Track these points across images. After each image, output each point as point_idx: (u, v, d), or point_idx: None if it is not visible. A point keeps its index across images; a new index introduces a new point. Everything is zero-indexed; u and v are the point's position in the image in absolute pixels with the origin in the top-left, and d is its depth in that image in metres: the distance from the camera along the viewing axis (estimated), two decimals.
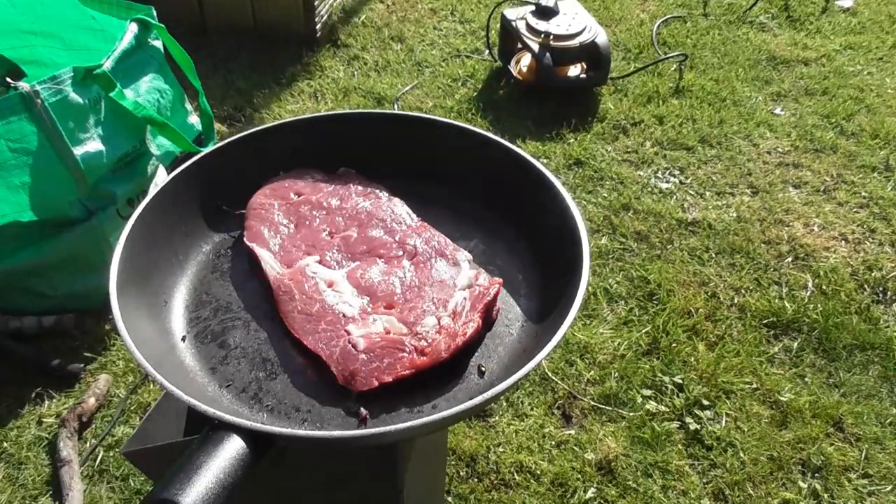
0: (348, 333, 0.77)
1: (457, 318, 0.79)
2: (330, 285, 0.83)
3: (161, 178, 2.13)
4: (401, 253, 0.87)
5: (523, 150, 0.92)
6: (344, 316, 0.79)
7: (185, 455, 0.59)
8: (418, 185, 0.98)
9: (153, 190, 1.38)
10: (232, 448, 0.59)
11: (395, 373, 0.74)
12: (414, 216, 0.92)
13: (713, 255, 2.22)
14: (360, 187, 0.96)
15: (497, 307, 0.83)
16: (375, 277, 0.84)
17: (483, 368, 0.78)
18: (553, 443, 1.74)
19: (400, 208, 0.93)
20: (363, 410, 0.73)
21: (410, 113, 1.01)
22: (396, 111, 1.05)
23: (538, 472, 1.68)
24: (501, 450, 1.72)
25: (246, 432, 0.61)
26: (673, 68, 3.01)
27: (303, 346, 0.78)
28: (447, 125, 0.97)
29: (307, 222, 0.92)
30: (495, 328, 0.83)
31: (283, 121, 1.00)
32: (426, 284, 0.83)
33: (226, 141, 0.95)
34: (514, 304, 0.86)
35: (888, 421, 1.79)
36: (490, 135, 0.94)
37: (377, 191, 0.95)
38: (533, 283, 0.87)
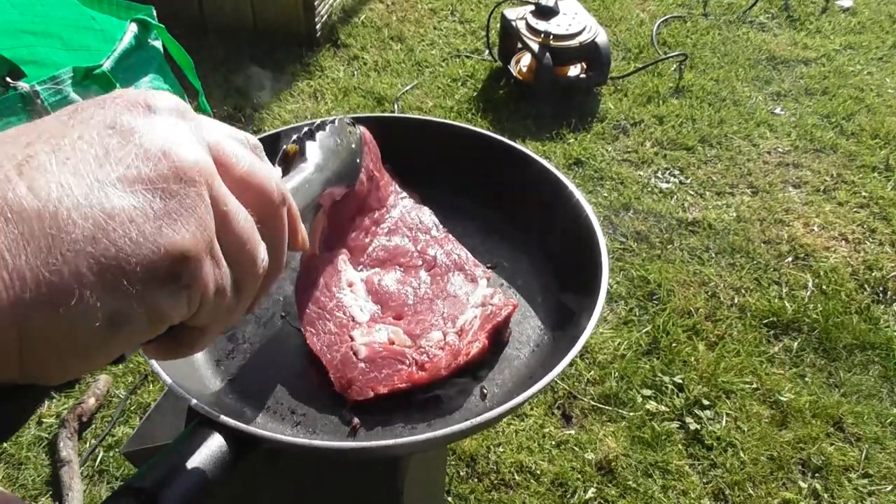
0: (352, 339, 0.77)
1: (463, 336, 0.77)
2: (349, 286, 0.83)
3: None
4: (420, 263, 0.85)
5: (563, 175, 0.89)
6: (353, 320, 0.79)
7: (168, 447, 0.59)
8: (452, 195, 0.95)
9: None
10: (214, 445, 0.59)
11: (391, 385, 0.73)
12: (440, 226, 0.90)
13: (713, 255, 2.22)
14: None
15: (509, 330, 0.81)
16: (391, 286, 0.83)
17: (485, 391, 0.76)
18: (553, 443, 1.74)
19: (427, 217, 0.91)
20: (355, 420, 0.72)
21: (454, 123, 0.99)
22: (439, 119, 1.02)
23: (538, 472, 1.68)
24: (501, 450, 1.72)
25: (227, 431, 0.61)
26: (673, 68, 3.01)
27: (308, 348, 0.77)
28: (490, 140, 0.95)
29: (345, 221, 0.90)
30: (506, 350, 0.81)
31: (320, 120, 0.98)
32: (439, 298, 0.82)
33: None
34: (530, 326, 0.83)
35: (888, 421, 1.79)
36: (531, 153, 0.92)
37: (407, 197, 0.94)
38: (550, 307, 0.85)
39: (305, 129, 0.67)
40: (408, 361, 0.74)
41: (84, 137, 0.32)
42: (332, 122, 0.70)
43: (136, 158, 0.32)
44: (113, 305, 0.30)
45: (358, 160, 0.76)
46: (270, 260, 0.40)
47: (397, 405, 0.74)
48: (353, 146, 0.74)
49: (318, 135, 0.67)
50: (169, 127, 0.35)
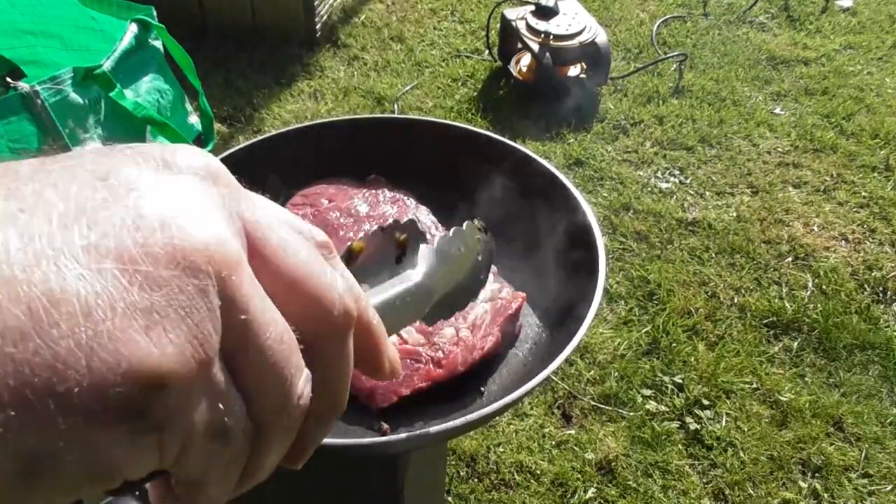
0: None
1: (476, 331, 0.78)
2: None
3: None
4: None
5: (561, 174, 0.89)
6: None
7: None
8: (450, 194, 0.95)
9: None
10: None
11: (412, 385, 0.73)
12: (439, 225, 0.90)
13: (713, 255, 2.22)
14: (388, 194, 0.94)
15: (520, 323, 0.82)
16: None
17: (483, 388, 0.77)
18: (553, 443, 1.74)
19: (426, 217, 0.91)
20: (384, 425, 0.73)
21: (455, 123, 0.99)
22: (439, 119, 1.02)
23: (538, 472, 1.68)
24: (501, 450, 1.72)
25: None
26: (673, 68, 3.01)
27: None
28: (490, 140, 0.95)
29: (335, 229, 0.90)
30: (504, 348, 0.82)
31: (308, 123, 0.97)
32: None
33: (252, 140, 0.93)
34: (527, 324, 0.84)
35: (888, 421, 1.79)
36: (531, 153, 0.92)
37: (405, 198, 0.94)
38: (548, 305, 0.86)
39: (406, 220, 0.50)
40: (424, 359, 0.75)
41: (58, 186, 0.22)
42: (460, 226, 0.54)
43: (119, 225, 0.22)
44: (30, 443, 0.20)
45: (481, 277, 0.58)
46: (319, 397, 0.28)
47: (419, 405, 0.74)
48: (480, 257, 0.57)
49: (438, 238, 0.51)
50: (185, 192, 0.24)
